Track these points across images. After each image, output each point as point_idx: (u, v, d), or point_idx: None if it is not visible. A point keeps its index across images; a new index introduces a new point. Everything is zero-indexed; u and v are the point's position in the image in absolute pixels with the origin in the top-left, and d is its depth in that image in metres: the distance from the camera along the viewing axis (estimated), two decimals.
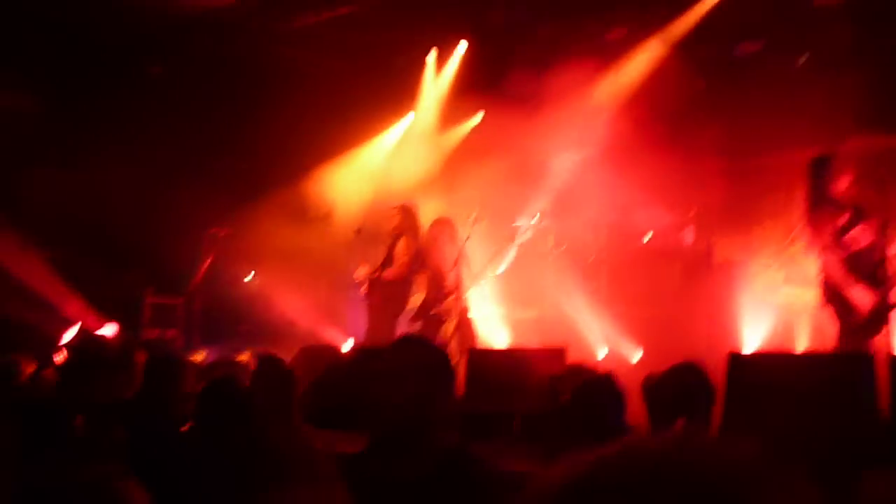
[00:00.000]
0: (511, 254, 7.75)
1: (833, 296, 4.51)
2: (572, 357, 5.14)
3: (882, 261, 4.28)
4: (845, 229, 4.45)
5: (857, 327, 4.29)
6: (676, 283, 7.15)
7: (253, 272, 7.63)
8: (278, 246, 7.42)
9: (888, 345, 4.06)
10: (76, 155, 7.41)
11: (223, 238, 6.58)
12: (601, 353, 6.73)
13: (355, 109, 8.11)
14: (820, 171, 4.55)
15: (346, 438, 3.96)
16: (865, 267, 4.38)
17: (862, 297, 4.32)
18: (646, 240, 7.57)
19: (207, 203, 6.96)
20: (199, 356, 4.63)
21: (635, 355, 6.72)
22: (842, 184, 4.47)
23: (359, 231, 6.33)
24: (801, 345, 5.92)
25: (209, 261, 6.46)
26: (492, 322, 6.99)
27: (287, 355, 5.83)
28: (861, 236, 4.38)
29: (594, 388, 3.39)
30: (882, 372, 3.39)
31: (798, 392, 3.36)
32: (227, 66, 7.94)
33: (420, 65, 8.75)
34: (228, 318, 7.20)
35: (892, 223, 4.34)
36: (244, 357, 4.81)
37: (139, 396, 3.74)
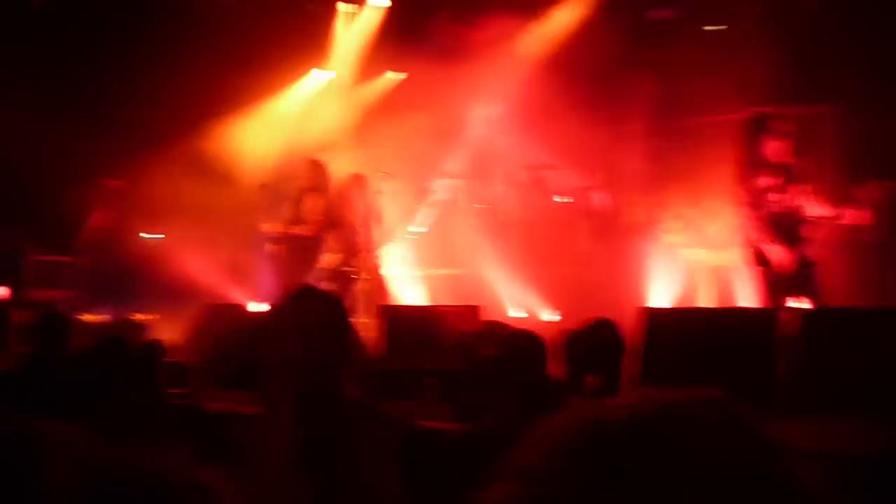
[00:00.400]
0: (426, 212, 7.65)
1: (755, 254, 4.61)
2: (486, 316, 5.12)
3: (803, 221, 4.41)
4: (771, 189, 4.56)
5: (778, 285, 4.40)
6: (587, 243, 7.26)
7: (152, 229, 7.15)
8: (179, 200, 6.97)
9: (810, 301, 4.21)
10: None
11: (116, 190, 6.08)
12: (514, 313, 6.77)
13: (265, 57, 7.67)
14: (753, 131, 4.63)
15: (248, 399, 3.78)
16: (788, 227, 4.50)
17: (781, 255, 4.44)
18: (559, 200, 7.64)
19: (98, 152, 6.42)
20: (90, 317, 4.27)
21: (547, 314, 6.81)
22: (773, 145, 4.56)
23: (264, 186, 6.03)
24: (703, 303, 6.15)
25: (99, 215, 5.96)
26: (405, 281, 6.89)
27: (192, 315, 5.53)
28: (786, 197, 4.50)
29: (521, 340, 3.36)
30: (793, 326, 3.52)
31: (707, 345, 3.45)
32: (124, 4, 7.30)
33: (332, 15, 8.38)
34: (123, 276, 6.72)
35: (813, 186, 4.49)
36: (141, 317, 4.47)
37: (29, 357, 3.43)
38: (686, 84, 6.95)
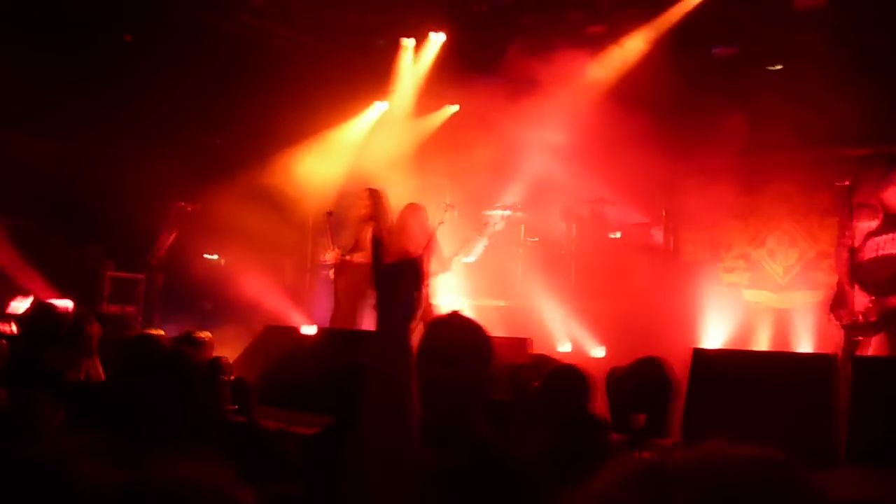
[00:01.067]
0: (482, 243, 7.71)
1: (835, 296, 4.44)
2: (535, 347, 5.12)
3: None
4: (873, 234, 4.38)
5: (854, 332, 4.22)
6: (644, 279, 7.19)
7: (218, 251, 7.47)
8: (246, 225, 7.27)
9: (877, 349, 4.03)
10: (42, 122, 7.18)
11: (189, 213, 6.41)
12: (563, 347, 6.74)
13: (330, 90, 7.98)
14: (862, 176, 4.46)
15: (302, 419, 3.90)
16: (881, 275, 4.29)
17: (863, 301, 4.25)
18: (616, 235, 7.60)
19: (175, 177, 6.80)
20: (158, 332, 4.50)
21: (597, 350, 6.74)
22: (879, 190, 4.39)
23: (329, 214, 6.23)
24: (761, 345, 5.99)
25: (173, 236, 6.29)
26: (457, 310, 6.95)
27: (250, 335, 5.74)
28: (888, 244, 4.30)
29: (564, 375, 3.37)
30: (845, 373, 3.43)
31: (758, 389, 3.38)
32: (201, 37, 7.74)
33: (396, 49, 8.65)
34: (191, 295, 7.03)
35: None
36: (205, 335, 4.69)
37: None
38: (751, 122, 6.86)
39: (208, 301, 7.14)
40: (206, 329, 5.34)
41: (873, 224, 4.38)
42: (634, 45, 7.82)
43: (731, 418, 3.34)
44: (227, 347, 5.50)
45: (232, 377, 3.97)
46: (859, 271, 4.34)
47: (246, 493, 1.01)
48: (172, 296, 6.68)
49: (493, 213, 7.31)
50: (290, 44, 8.53)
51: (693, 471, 0.59)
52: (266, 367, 4.97)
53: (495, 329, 6.91)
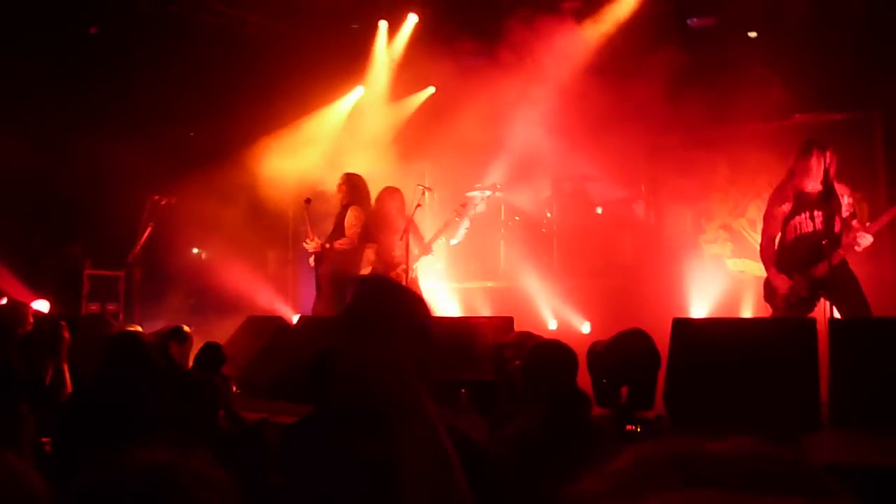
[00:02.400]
0: (464, 225, 7.68)
1: (770, 286, 4.60)
2: (522, 328, 5.11)
3: (819, 247, 4.34)
4: (791, 216, 4.50)
5: (784, 307, 4.38)
6: (627, 254, 7.18)
7: (198, 245, 7.40)
8: (226, 217, 7.20)
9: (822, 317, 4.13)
10: (14, 120, 7.05)
11: (165, 206, 6.33)
12: (551, 325, 6.74)
13: (307, 77, 7.88)
14: (801, 155, 4.54)
15: (286, 409, 3.87)
16: (802, 252, 4.44)
17: (784, 282, 4.42)
18: (599, 211, 7.58)
19: (150, 171, 6.70)
20: (135, 328, 4.44)
21: (584, 326, 6.75)
22: (806, 170, 4.48)
23: (308, 201, 6.17)
24: (747, 314, 6.00)
25: (149, 230, 6.21)
26: (442, 293, 6.93)
27: (233, 327, 5.69)
28: (805, 223, 4.43)
29: (545, 350, 3.34)
30: (821, 338, 3.43)
31: (739, 357, 3.38)
32: (174, 28, 7.61)
33: (372, 33, 8.55)
34: (173, 289, 6.97)
35: (838, 211, 4.39)
36: (186, 328, 4.64)
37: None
38: (730, 92, 6.84)
39: (191, 295, 7.07)
40: (190, 323, 5.29)
41: (786, 207, 4.49)
42: (611, 20, 7.77)
43: (713, 387, 3.34)
44: (211, 340, 5.45)
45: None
46: (783, 254, 4.47)
47: (221, 473, 1.01)
48: (153, 291, 6.62)
49: (474, 194, 7.28)
50: (265, 32, 8.42)
51: (729, 467, 0.56)
52: (249, 357, 4.93)
53: (482, 310, 6.93)
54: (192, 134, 7.78)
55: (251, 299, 6.98)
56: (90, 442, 2.46)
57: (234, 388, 4.55)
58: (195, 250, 8.08)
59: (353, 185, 6.10)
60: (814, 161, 4.37)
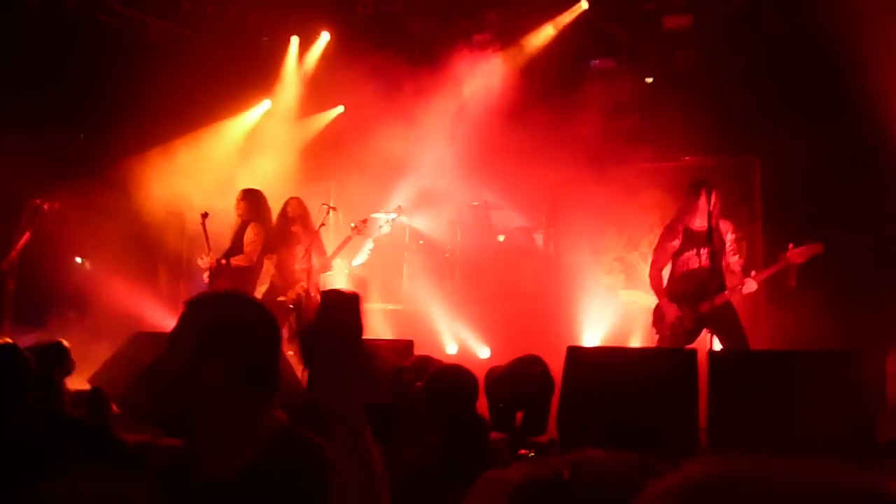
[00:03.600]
0: (368, 246, 7.65)
1: (658, 314, 4.88)
2: (422, 351, 5.11)
3: (705, 283, 4.65)
4: (684, 251, 4.79)
5: (670, 336, 4.66)
6: (527, 282, 7.37)
7: (83, 254, 6.96)
8: (115, 227, 6.82)
9: (704, 347, 4.41)
10: None
11: (48, 212, 5.90)
12: (451, 349, 6.79)
13: (211, 87, 7.65)
14: (689, 195, 4.82)
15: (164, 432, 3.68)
16: (689, 287, 4.74)
17: (673, 311, 4.70)
18: (501, 239, 7.75)
19: (33, 174, 6.25)
20: (4, 341, 4.11)
21: (484, 352, 6.85)
22: (696, 209, 4.77)
23: (205, 215, 5.95)
24: (636, 343, 6.28)
25: (27, 236, 5.76)
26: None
27: (119, 342, 5.37)
28: (692, 260, 4.73)
29: (448, 375, 3.35)
30: (702, 368, 3.64)
31: (627, 384, 3.53)
32: (68, 25, 7.21)
33: (282, 50, 8.44)
34: (50, 301, 6.50)
35: (722, 249, 4.72)
36: (62, 342, 4.33)
37: None
38: (627, 132, 7.20)
39: (72, 308, 6.63)
40: (69, 337, 4.96)
41: (676, 243, 4.82)
42: (519, 56, 8.03)
43: (603, 412, 3.46)
44: (93, 357, 5.13)
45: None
46: (672, 287, 4.79)
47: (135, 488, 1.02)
48: (29, 303, 6.15)
49: (379, 216, 7.27)
50: (168, 37, 8.12)
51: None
52: (135, 376, 4.67)
53: (382, 332, 6.89)
54: (81, 136, 7.35)
55: (139, 314, 6.62)
56: None
57: (115, 408, 4.29)
58: (79, 260, 7.60)
59: (253, 201, 5.95)
60: (701, 200, 4.68)
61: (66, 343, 4.25)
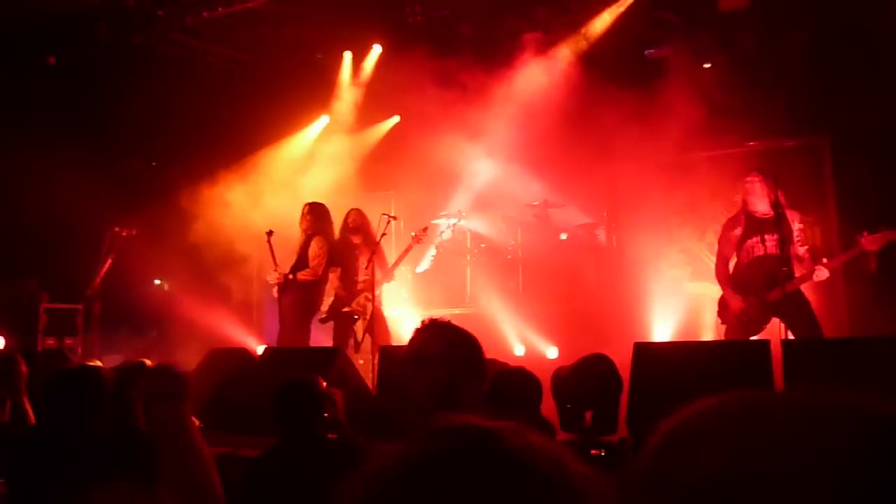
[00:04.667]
0: (431, 253, 7.73)
1: (723, 304, 4.76)
2: (489, 354, 5.12)
3: (772, 271, 4.51)
4: (748, 238, 4.66)
5: (737, 326, 4.53)
6: (591, 279, 7.29)
7: (161, 276, 7.29)
8: (188, 248, 7.12)
9: (776, 336, 4.28)
10: None
11: (126, 238, 6.23)
12: (518, 351, 6.78)
13: (271, 107, 7.90)
14: (749, 182, 4.71)
15: (250, 442, 3.82)
16: (762, 276, 4.60)
17: (738, 302, 4.57)
18: (564, 237, 7.70)
19: (111, 202, 6.61)
20: (94, 363, 4.35)
21: (552, 352, 6.80)
22: (757, 196, 4.65)
23: (270, 233, 6.15)
24: (707, 336, 6.13)
25: (110, 262, 6.10)
26: (408, 320, 6.93)
27: (198, 359, 5.62)
28: (757, 247, 4.60)
29: (511, 377, 3.37)
30: (776, 359, 3.52)
31: (697, 379, 3.45)
32: (131, 57, 7.58)
33: (336, 64, 8.62)
34: (134, 322, 6.84)
35: (789, 236, 4.57)
36: (147, 362, 4.55)
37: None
38: (686, 120, 7.04)
39: (153, 327, 6.96)
40: (152, 356, 5.21)
41: (738, 231, 4.67)
42: (571, 51, 7.96)
43: (673, 408, 3.40)
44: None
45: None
46: (738, 276, 4.64)
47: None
48: (114, 325, 6.49)
49: (439, 221, 7.33)
50: (228, 63, 8.43)
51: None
52: (212, 390, 4.86)
53: None
54: (153, 164, 7.71)
55: (215, 331, 6.89)
56: (45, 480, 2.41)
57: (197, 422, 4.48)
58: (157, 282, 7.96)
59: (317, 215, 6.10)
60: (758, 186, 4.54)
61: (148, 362, 4.47)
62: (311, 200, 6.28)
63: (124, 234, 6.23)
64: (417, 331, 2.27)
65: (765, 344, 3.63)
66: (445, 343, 2.12)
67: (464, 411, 2.01)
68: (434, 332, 2.20)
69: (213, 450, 3.81)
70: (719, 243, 4.86)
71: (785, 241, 4.50)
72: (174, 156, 7.73)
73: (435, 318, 2.31)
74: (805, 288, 4.61)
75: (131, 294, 6.90)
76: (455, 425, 0.65)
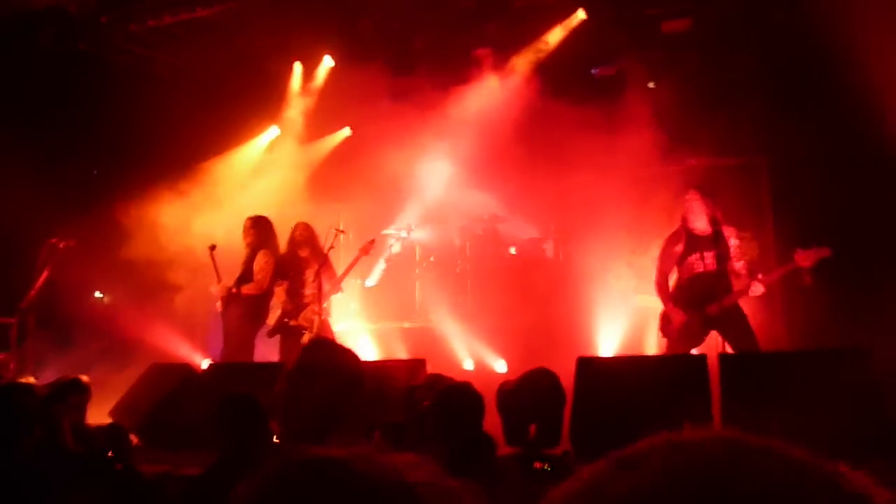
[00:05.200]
0: (380, 266, 7.69)
1: (665, 318, 4.87)
2: (438, 367, 5.13)
3: (711, 286, 4.63)
4: (688, 255, 4.78)
5: (677, 340, 4.65)
6: (539, 292, 7.36)
7: (100, 289, 7.07)
8: (128, 260, 6.93)
9: (714, 350, 4.39)
10: None
11: (64, 249, 6.02)
12: (467, 365, 6.79)
13: (216, 118, 7.77)
14: (689, 199, 4.83)
15: (192, 460, 3.73)
16: (695, 291, 4.73)
17: (679, 316, 4.69)
18: (513, 251, 7.76)
19: (47, 211, 6.38)
20: (28, 380, 4.19)
21: (501, 366, 6.83)
22: (697, 213, 4.77)
23: (213, 247, 6.02)
24: (651, 348, 6.24)
25: (46, 274, 5.88)
26: (357, 334, 6.88)
27: (135, 374, 5.45)
28: (697, 264, 4.73)
29: (453, 393, 3.37)
30: (713, 372, 3.62)
31: (638, 392, 3.52)
32: (75, 64, 7.37)
33: (286, 75, 8.54)
34: (70, 336, 6.60)
35: (726, 252, 4.70)
36: (84, 378, 4.40)
37: None
38: (632, 137, 7.20)
39: (92, 342, 6.72)
40: (90, 372, 5.04)
41: (679, 248, 4.80)
42: (520, 68, 8.08)
43: (615, 421, 3.45)
44: (116, 387, 5.20)
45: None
46: (679, 292, 4.78)
47: None
48: (50, 339, 6.25)
49: (389, 232, 7.30)
50: (175, 71, 8.27)
51: None
52: (153, 406, 4.73)
53: (397, 350, 6.92)
54: (95, 172, 7.49)
55: (158, 346, 6.70)
56: None
57: (134, 440, 4.35)
58: (98, 294, 7.72)
59: (260, 228, 6.00)
60: (696, 204, 4.68)
61: (84, 378, 4.32)
62: (255, 214, 6.18)
63: (62, 244, 6.02)
64: (303, 349, 2.43)
65: (702, 358, 3.72)
66: (326, 359, 2.25)
67: (347, 423, 2.11)
68: (316, 350, 2.32)
69: (152, 468, 3.72)
70: (660, 258, 4.99)
71: (723, 257, 4.63)
72: (117, 165, 7.52)
73: (319, 338, 2.49)
74: (745, 303, 4.75)
75: (69, 307, 6.67)
76: (305, 457, 0.68)
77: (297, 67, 8.52)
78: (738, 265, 4.69)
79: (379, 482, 0.64)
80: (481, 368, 6.69)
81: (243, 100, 8.01)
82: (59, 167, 7.16)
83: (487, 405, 3.51)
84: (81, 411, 3.94)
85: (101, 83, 7.56)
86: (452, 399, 3.25)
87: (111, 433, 3.45)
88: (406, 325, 7.29)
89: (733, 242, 4.75)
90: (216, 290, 5.88)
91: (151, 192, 7.21)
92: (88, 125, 7.35)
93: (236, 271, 5.94)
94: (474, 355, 6.92)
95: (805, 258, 4.38)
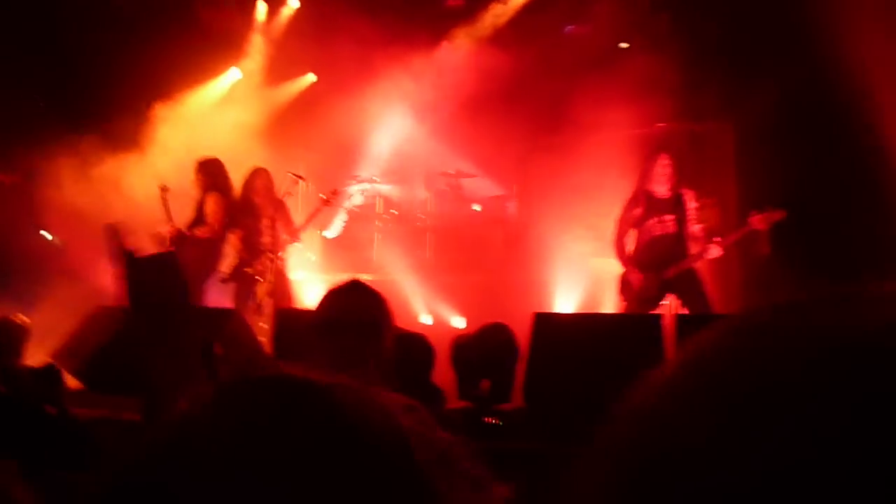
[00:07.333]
0: (341, 217, 7.56)
1: (624, 281, 4.88)
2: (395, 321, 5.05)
3: (669, 250, 4.64)
4: (647, 217, 4.77)
5: (635, 302, 4.67)
6: (499, 251, 7.33)
7: (46, 228, 6.79)
8: (78, 199, 6.65)
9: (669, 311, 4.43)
10: None
11: (9, 186, 5.75)
12: (425, 319, 6.76)
13: (177, 54, 7.42)
14: (649, 162, 4.79)
15: (132, 405, 3.62)
16: (658, 253, 4.74)
17: (637, 278, 4.70)
18: (477, 208, 7.70)
19: None
20: None
21: (459, 322, 6.82)
22: (658, 174, 4.74)
23: (165, 188, 5.81)
24: (608, 310, 6.28)
25: None
26: (313, 285, 6.77)
27: (76, 317, 5.27)
28: (655, 227, 4.72)
29: (402, 344, 3.31)
30: (668, 332, 3.62)
31: (594, 349, 3.51)
32: None
33: (250, 15, 8.21)
34: (12, 276, 6.35)
35: (685, 216, 4.69)
36: (21, 318, 4.24)
37: None
38: (599, 99, 7.12)
39: (37, 283, 6.48)
40: (34, 314, 4.85)
41: (638, 211, 4.81)
42: (490, 22, 7.90)
43: (569, 378, 3.45)
44: (61, 331, 5.03)
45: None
46: (638, 255, 4.79)
47: (21, 490, 0.96)
48: None
49: (351, 185, 7.16)
50: (134, 4, 7.86)
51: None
52: (96, 350, 4.58)
53: None
54: (42, 105, 7.12)
55: (106, 288, 6.48)
56: None
57: (77, 382, 4.21)
58: (45, 234, 7.41)
59: (210, 172, 5.81)
60: (658, 166, 4.65)
61: (19, 319, 4.14)
62: (210, 156, 5.96)
63: (6, 180, 5.74)
64: (329, 295, 2.17)
65: (657, 318, 3.72)
66: (358, 309, 2.09)
67: (370, 380, 1.98)
68: (348, 298, 2.14)
69: (91, 412, 3.59)
70: (619, 221, 4.98)
71: (682, 220, 4.63)
72: (67, 99, 7.15)
73: (349, 281, 2.25)
74: (704, 268, 4.77)
75: (11, 246, 6.39)
76: (268, 375, 0.57)
77: (262, 7, 8.20)
78: (696, 228, 4.70)
79: (364, 420, 0.52)
80: (439, 323, 6.66)
81: (204, 39, 7.68)
82: (5, 100, 6.78)
83: (443, 359, 3.47)
84: (14, 353, 3.79)
85: (51, 12, 7.14)
86: (400, 349, 3.20)
87: (43, 374, 3.31)
88: (364, 276, 7.18)
89: (692, 206, 4.75)
90: (164, 229, 5.69)
91: (105, 128, 6.91)
92: (37, 54, 6.96)
93: (189, 215, 5.75)
94: (432, 310, 6.89)
95: (760, 221, 4.41)
